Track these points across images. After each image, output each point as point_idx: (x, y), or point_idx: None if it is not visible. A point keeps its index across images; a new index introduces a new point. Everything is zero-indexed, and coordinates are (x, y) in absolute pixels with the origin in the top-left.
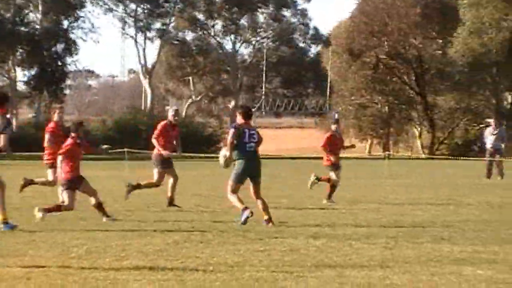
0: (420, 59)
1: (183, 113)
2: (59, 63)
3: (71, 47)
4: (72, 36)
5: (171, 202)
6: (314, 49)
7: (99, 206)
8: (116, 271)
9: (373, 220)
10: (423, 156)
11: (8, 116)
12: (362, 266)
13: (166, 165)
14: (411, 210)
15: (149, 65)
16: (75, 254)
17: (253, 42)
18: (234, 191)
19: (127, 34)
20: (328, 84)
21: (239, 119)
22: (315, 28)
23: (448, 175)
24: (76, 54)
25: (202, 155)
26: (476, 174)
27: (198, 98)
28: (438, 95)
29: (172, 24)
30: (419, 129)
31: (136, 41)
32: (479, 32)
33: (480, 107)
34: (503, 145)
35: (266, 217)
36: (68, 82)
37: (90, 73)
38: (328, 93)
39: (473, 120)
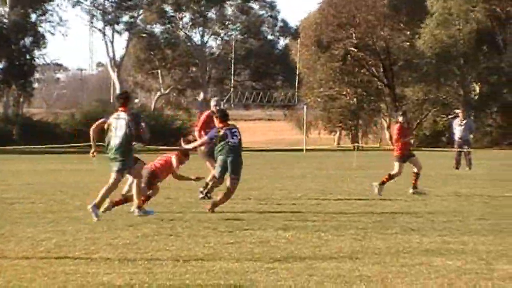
0: (388, 50)
1: (152, 106)
2: (27, 57)
3: (39, 40)
4: (40, 29)
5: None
6: (282, 42)
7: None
8: (85, 264)
9: (342, 212)
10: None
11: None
12: (332, 257)
13: (212, 155)
14: (380, 202)
15: (118, 58)
16: (44, 247)
17: (222, 35)
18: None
19: (95, 27)
20: (297, 76)
21: (218, 123)
22: (283, 21)
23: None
24: (45, 47)
25: (171, 147)
26: (444, 165)
27: (166, 91)
28: (406, 87)
29: (140, 17)
30: (387, 120)
31: (104, 34)
32: (447, 24)
33: (448, 98)
34: (471, 136)
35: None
36: (37, 75)
37: (59, 66)
38: (296, 85)
39: (441, 111)
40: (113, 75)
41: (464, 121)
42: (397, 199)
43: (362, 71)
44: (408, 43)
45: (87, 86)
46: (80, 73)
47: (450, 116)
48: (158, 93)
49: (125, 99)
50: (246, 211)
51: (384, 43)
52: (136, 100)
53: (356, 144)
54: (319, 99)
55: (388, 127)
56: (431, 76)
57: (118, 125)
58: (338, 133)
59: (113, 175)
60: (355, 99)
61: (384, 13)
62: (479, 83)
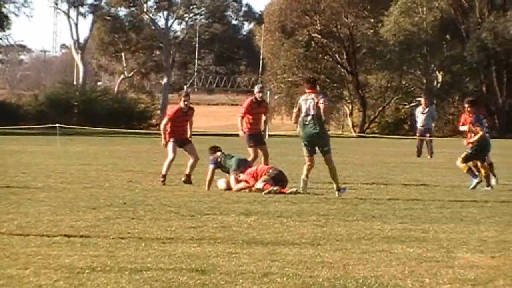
0: (352, 38)
1: (115, 89)
2: None
3: (3, 21)
4: (4, 10)
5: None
6: (247, 27)
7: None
8: (47, 246)
9: (304, 198)
10: (354, 134)
11: None
12: (294, 243)
13: (256, 141)
14: (341, 187)
15: (82, 41)
16: (5, 229)
17: (186, 19)
18: None
19: (59, 9)
20: (261, 61)
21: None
22: (248, 6)
23: (379, 153)
24: (8, 28)
25: (134, 130)
26: (406, 153)
27: (130, 74)
28: (369, 74)
29: (104, 0)
30: (350, 107)
31: (68, 16)
32: (411, 12)
33: (411, 86)
34: (433, 124)
35: None
36: (0, 56)
37: (22, 47)
38: (260, 70)
39: (403, 99)
40: (77, 58)
41: (426, 109)
42: (358, 187)
43: (325, 57)
44: (372, 31)
45: (50, 68)
46: (44, 55)
47: (412, 104)
48: (122, 76)
49: None
50: (208, 196)
51: (348, 30)
52: (99, 83)
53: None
54: (282, 85)
55: (351, 114)
56: (394, 63)
57: None
58: None
59: None
60: (318, 86)
61: (348, 0)
62: (441, 72)
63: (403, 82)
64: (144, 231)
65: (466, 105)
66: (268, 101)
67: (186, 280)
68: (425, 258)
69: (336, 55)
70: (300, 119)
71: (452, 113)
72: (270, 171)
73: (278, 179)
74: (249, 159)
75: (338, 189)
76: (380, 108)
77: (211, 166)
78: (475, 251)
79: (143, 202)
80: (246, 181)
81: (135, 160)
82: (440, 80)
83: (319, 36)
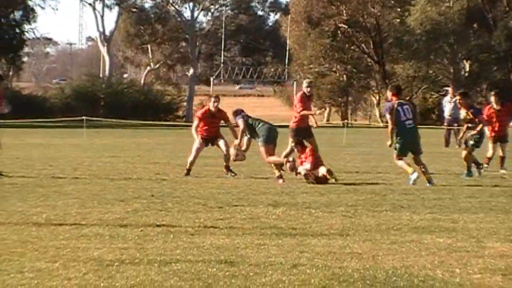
0: (379, 27)
1: (141, 81)
2: (17, 31)
3: (29, 14)
4: (30, 3)
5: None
6: (272, 17)
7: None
8: (76, 239)
9: (332, 189)
10: (381, 124)
11: None
12: (322, 234)
13: (301, 135)
14: (370, 179)
15: (107, 33)
16: (34, 222)
17: (212, 10)
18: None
19: (85, 2)
20: (287, 52)
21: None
22: None
23: None
24: (34, 21)
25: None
26: (434, 143)
27: (156, 66)
28: (396, 64)
29: None
30: (377, 97)
31: (94, 9)
32: (437, 1)
33: (438, 76)
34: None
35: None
36: (26, 49)
37: (48, 40)
38: (286, 61)
39: (431, 89)
40: (103, 50)
41: (454, 99)
42: (386, 177)
43: (352, 47)
44: (398, 20)
45: (76, 61)
46: (70, 48)
47: (440, 94)
48: (148, 68)
49: None
50: (235, 187)
51: (374, 20)
52: (126, 75)
53: (345, 121)
54: (309, 76)
55: (378, 104)
56: (421, 53)
57: None
58: (327, 109)
59: None
60: (344, 76)
61: None
62: (469, 61)
63: (430, 72)
64: (173, 223)
65: (458, 97)
66: (294, 92)
67: (215, 271)
68: (455, 248)
69: (363, 45)
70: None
71: (480, 102)
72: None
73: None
74: (287, 150)
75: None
76: (408, 98)
77: (241, 120)
78: (505, 240)
79: (170, 194)
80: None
81: (162, 152)
82: (467, 69)
83: (346, 26)
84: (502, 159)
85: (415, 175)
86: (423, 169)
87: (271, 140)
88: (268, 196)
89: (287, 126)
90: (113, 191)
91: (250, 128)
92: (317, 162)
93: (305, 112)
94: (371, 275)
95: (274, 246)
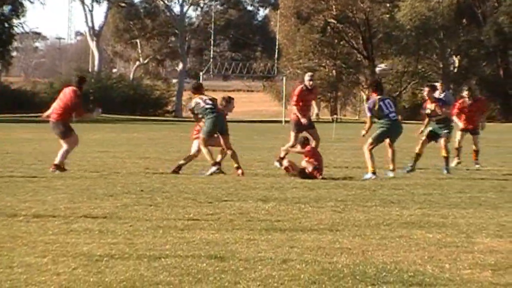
0: (368, 23)
1: (131, 76)
2: (6, 25)
3: (18, 8)
4: None
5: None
6: (262, 12)
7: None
8: (65, 234)
9: (321, 184)
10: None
11: None
12: (312, 229)
13: (303, 128)
14: (360, 174)
15: (97, 28)
16: (23, 217)
17: (201, 5)
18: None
19: None
20: (276, 47)
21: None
22: None
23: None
24: (23, 16)
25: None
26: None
27: (145, 61)
28: (386, 59)
29: None
30: (366, 92)
31: (83, 3)
32: None
33: (428, 71)
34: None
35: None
36: (15, 44)
37: (37, 35)
38: (276, 56)
39: (420, 84)
40: (92, 45)
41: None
42: (376, 172)
43: (341, 43)
44: (388, 16)
45: (65, 55)
46: (59, 42)
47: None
48: (137, 63)
49: None
50: (225, 182)
51: (364, 15)
52: (115, 70)
53: (334, 116)
54: (298, 71)
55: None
56: (411, 48)
57: None
58: None
59: None
60: (334, 71)
61: None
62: (458, 56)
63: (420, 67)
64: (162, 218)
65: (426, 90)
66: (284, 88)
67: (205, 266)
68: (445, 243)
69: (352, 41)
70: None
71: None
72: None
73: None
74: (289, 144)
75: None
76: (397, 93)
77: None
78: (494, 236)
79: (160, 189)
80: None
81: (151, 147)
82: (456, 64)
83: (335, 21)
84: (476, 152)
85: (371, 175)
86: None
87: (213, 133)
88: (258, 191)
89: (277, 122)
90: (102, 186)
91: (193, 110)
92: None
93: (294, 107)
94: (361, 270)
95: (264, 241)
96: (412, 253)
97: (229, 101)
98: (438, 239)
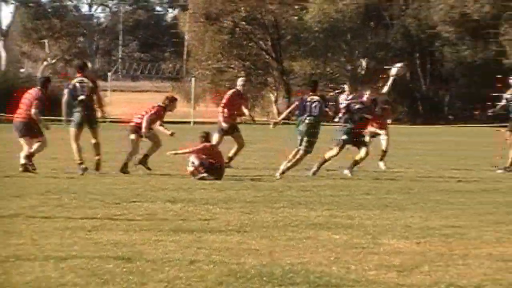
0: (277, 24)
1: (38, 76)
2: None
3: None
4: None
5: (228, 161)
6: (171, 13)
7: None
8: None
9: (230, 185)
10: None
11: None
12: (220, 230)
13: (232, 129)
14: (268, 176)
15: (4, 27)
16: None
17: (110, 5)
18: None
19: None
20: (185, 48)
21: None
22: None
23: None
24: None
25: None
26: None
27: (53, 61)
28: (294, 61)
29: None
30: (275, 94)
31: None
32: None
33: (336, 73)
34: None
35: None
36: None
37: None
38: (185, 57)
39: (328, 86)
40: None
41: (351, 96)
42: (284, 174)
43: (250, 44)
44: (296, 18)
45: None
46: None
47: (337, 91)
48: (45, 63)
49: None
50: (133, 183)
51: (272, 17)
52: (22, 70)
53: (243, 117)
54: (207, 72)
55: (276, 101)
56: (319, 50)
57: None
58: None
59: None
60: (243, 73)
61: None
62: (366, 59)
63: (328, 69)
64: (70, 219)
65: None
66: (192, 89)
67: (112, 268)
68: (351, 244)
69: (261, 42)
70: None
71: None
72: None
73: (213, 171)
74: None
75: None
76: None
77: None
78: (400, 237)
79: (67, 189)
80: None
81: (60, 148)
82: (364, 66)
83: (244, 23)
84: (384, 152)
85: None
86: (291, 161)
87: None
88: (166, 192)
89: (185, 123)
90: (8, 186)
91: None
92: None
93: (222, 108)
94: (268, 271)
95: (172, 242)
96: (319, 254)
97: (172, 100)
98: (345, 240)
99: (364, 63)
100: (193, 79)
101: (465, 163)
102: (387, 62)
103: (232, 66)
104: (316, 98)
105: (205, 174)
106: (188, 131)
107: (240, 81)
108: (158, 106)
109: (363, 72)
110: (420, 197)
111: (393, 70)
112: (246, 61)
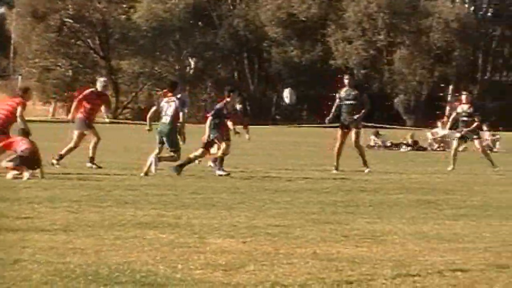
0: (105, 23)
1: None
2: None
3: None
4: None
5: (92, 161)
6: None
7: None
8: None
9: (57, 184)
10: (107, 120)
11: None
12: (45, 230)
13: (88, 127)
14: (95, 175)
15: None
16: None
17: None
18: None
19: None
20: (12, 46)
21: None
22: None
23: (133, 139)
24: None
25: None
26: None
27: None
28: (123, 60)
29: None
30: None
31: None
32: None
33: (164, 72)
34: (186, 110)
35: None
36: None
37: None
38: (11, 55)
39: (156, 85)
40: None
41: (179, 95)
42: (111, 172)
43: (78, 43)
44: (124, 16)
45: None
46: None
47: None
48: None
49: None
50: None
51: (100, 15)
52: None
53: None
54: (34, 70)
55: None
56: (147, 49)
57: None
58: (53, 104)
59: None
60: (70, 71)
61: None
62: (194, 58)
63: (156, 68)
64: None
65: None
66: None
67: None
68: (178, 243)
69: (89, 41)
70: None
71: (205, 100)
72: (21, 148)
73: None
74: (71, 145)
75: None
76: (133, 94)
77: None
78: (226, 236)
79: None
80: None
81: None
82: (192, 66)
83: (71, 21)
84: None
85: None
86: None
87: None
88: None
89: None
90: None
91: None
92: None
93: (74, 104)
94: (94, 270)
95: None
96: (145, 253)
97: (25, 91)
98: (171, 240)
99: (192, 62)
100: (19, 77)
101: (294, 163)
102: (215, 62)
103: (60, 64)
104: (173, 98)
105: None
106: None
107: (101, 82)
108: (19, 100)
109: (191, 72)
110: (246, 196)
111: (286, 100)
112: (74, 60)
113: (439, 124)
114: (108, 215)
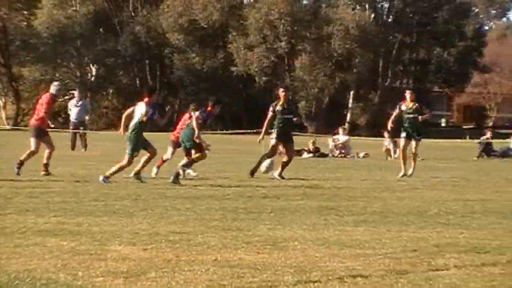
0: (5, 30)
1: None
2: None
3: None
4: None
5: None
6: None
7: None
8: None
9: None
10: (8, 127)
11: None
12: None
13: (41, 135)
14: (4, 183)
15: None
16: None
17: None
18: None
19: None
20: None
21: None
22: None
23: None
24: None
25: None
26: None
27: None
28: (23, 67)
29: None
30: (4, 100)
31: None
32: (64, 4)
33: (65, 79)
34: (87, 117)
35: None
36: None
37: None
38: None
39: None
40: None
41: (80, 102)
42: (17, 178)
43: None
44: (25, 23)
45: None
46: None
47: (66, 97)
48: None
49: None
50: None
51: (0, 22)
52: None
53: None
54: None
55: (5, 107)
56: (48, 56)
57: None
58: None
59: None
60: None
61: None
62: (95, 65)
63: (57, 75)
64: None
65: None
66: None
67: None
68: (79, 251)
69: None
70: None
71: (107, 106)
72: None
73: None
74: (30, 150)
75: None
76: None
77: None
78: (127, 243)
79: None
80: None
81: None
82: (94, 73)
83: None
84: (164, 161)
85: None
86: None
87: None
88: None
89: None
90: None
91: None
92: None
93: (47, 115)
94: None
95: None
96: (46, 261)
97: None
98: (72, 247)
99: (93, 69)
100: None
101: (205, 170)
102: (116, 68)
103: None
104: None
105: None
106: None
107: (56, 86)
108: None
109: (92, 79)
110: (147, 203)
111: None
112: None
113: (340, 130)
114: (9, 223)
